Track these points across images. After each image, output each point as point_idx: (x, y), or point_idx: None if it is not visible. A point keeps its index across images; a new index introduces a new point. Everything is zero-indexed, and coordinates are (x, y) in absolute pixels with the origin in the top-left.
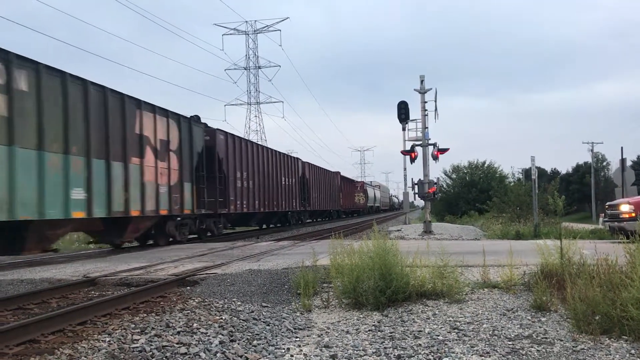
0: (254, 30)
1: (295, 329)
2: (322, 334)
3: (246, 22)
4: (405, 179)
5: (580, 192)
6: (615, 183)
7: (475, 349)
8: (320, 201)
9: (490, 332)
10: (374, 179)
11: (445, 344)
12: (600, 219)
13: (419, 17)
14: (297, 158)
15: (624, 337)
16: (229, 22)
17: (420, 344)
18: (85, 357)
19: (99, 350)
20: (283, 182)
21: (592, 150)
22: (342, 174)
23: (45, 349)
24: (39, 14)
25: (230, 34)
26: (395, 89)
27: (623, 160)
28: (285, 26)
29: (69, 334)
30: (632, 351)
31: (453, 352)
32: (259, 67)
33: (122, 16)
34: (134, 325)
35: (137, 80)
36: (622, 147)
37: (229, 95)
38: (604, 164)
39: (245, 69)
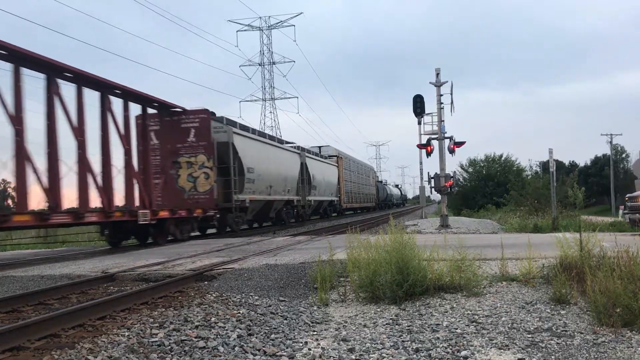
0: (268, 26)
1: (312, 322)
2: (339, 328)
3: (260, 18)
4: (421, 173)
5: (599, 184)
6: (635, 175)
7: (494, 342)
8: None
9: (509, 325)
10: (390, 173)
11: (464, 337)
12: (620, 212)
13: (438, 9)
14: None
15: None
16: (243, 18)
17: (438, 337)
18: (105, 351)
19: (119, 345)
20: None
21: (611, 142)
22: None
23: (66, 343)
24: (58, 14)
25: (245, 30)
26: (413, 83)
27: None
28: (301, 21)
29: (89, 329)
30: None
31: (472, 345)
32: (274, 63)
33: (138, 14)
34: (152, 320)
35: (153, 80)
36: None
37: (244, 91)
38: (623, 155)
39: (259, 65)
